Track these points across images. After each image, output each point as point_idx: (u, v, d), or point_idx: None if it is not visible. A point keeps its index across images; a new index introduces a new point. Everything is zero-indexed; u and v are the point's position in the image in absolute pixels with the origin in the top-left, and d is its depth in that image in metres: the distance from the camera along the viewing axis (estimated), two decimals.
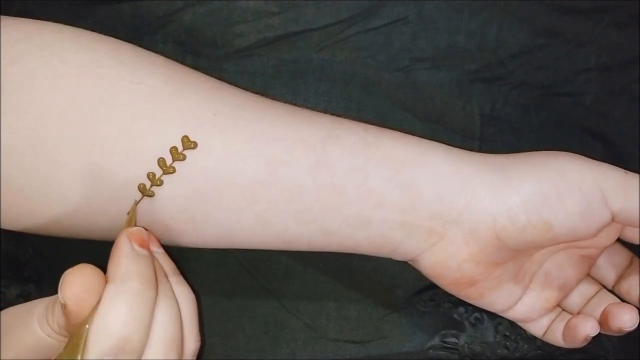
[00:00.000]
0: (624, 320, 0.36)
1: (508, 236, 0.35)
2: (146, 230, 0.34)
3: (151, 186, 0.34)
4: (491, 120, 0.41)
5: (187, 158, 0.34)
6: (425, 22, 0.39)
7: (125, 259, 0.31)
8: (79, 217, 0.35)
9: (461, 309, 0.41)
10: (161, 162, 0.34)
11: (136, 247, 0.32)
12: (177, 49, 0.40)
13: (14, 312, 0.34)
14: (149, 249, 0.33)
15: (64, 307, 0.30)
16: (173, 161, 0.34)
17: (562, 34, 0.40)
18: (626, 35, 0.41)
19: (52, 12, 0.39)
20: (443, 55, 0.39)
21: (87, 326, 0.30)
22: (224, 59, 0.40)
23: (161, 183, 0.34)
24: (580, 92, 0.41)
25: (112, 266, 0.31)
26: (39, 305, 0.33)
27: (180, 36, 0.40)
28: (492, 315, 0.41)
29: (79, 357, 0.30)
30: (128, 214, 0.34)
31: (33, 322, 0.33)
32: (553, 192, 0.34)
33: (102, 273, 0.31)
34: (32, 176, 0.34)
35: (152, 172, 0.34)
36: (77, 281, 0.30)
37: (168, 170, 0.34)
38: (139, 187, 0.34)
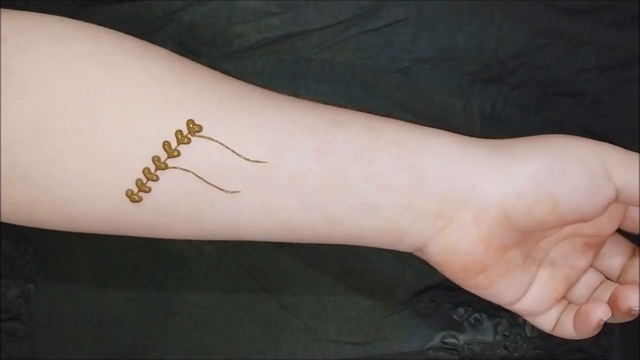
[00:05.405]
0: (634, 299, 0.36)
1: (517, 215, 0.35)
2: None
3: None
4: (491, 120, 0.41)
5: (192, 142, 0.34)
6: (425, 23, 0.39)
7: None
8: (82, 203, 0.35)
9: (461, 310, 0.41)
10: (166, 145, 0.34)
11: None
12: (177, 49, 0.40)
13: None
14: None
15: None
16: (178, 144, 0.34)
17: (562, 34, 0.40)
18: (626, 35, 0.41)
19: (52, 12, 0.39)
20: (443, 56, 0.39)
21: None
22: (224, 59, 0.40)
23: (166, 167, 0.34)
24: (580, 92, 0.41)
25: None
26: None
27: (180, 36, 0.40)
28: (492, 316, 0.41)
29: None
30: None
31: None
32: (558, 167, 0.34)
33: None
34: (36, 160, 0.34)
35: (156, 156, 0.34)
36: None
37: (172, 153, 0.34)
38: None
